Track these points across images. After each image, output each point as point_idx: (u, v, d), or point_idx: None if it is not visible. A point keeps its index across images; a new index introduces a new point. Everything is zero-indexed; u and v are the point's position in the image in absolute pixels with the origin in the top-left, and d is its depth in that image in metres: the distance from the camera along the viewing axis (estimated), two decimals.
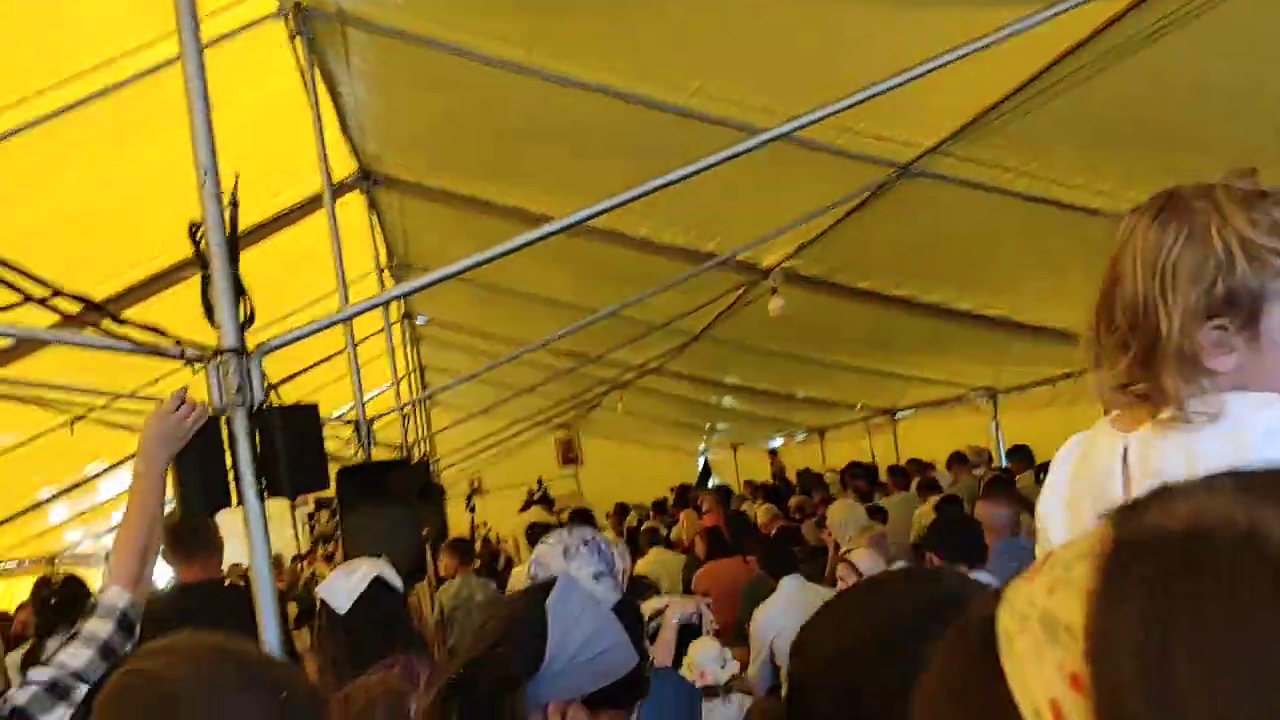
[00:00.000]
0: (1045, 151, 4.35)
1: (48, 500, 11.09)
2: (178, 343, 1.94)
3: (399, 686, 0.96)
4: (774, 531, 6.92)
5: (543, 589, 1.55)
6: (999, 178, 4.58)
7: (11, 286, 1.20)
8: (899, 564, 4.60)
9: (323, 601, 2.45)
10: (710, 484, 16.13)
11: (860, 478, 8.78)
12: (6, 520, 10.55)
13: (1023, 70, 3.64)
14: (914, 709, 0.53)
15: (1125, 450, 1.27)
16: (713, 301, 7.54)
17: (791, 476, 13.74)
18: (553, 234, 3.22)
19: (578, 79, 4.50)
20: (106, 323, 1.72)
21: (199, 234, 2.22)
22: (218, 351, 2.09)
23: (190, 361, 2.02)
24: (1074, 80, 3.51)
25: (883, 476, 9.13)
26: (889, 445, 11.40)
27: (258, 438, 2.20)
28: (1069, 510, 1.35)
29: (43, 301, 1.36)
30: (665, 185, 3.00)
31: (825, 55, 4.11)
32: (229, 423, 2.16)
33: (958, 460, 8.56)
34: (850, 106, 3.12)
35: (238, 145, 3.79)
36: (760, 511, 8.08)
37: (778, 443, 15.51)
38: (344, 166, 6.58)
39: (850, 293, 6.87)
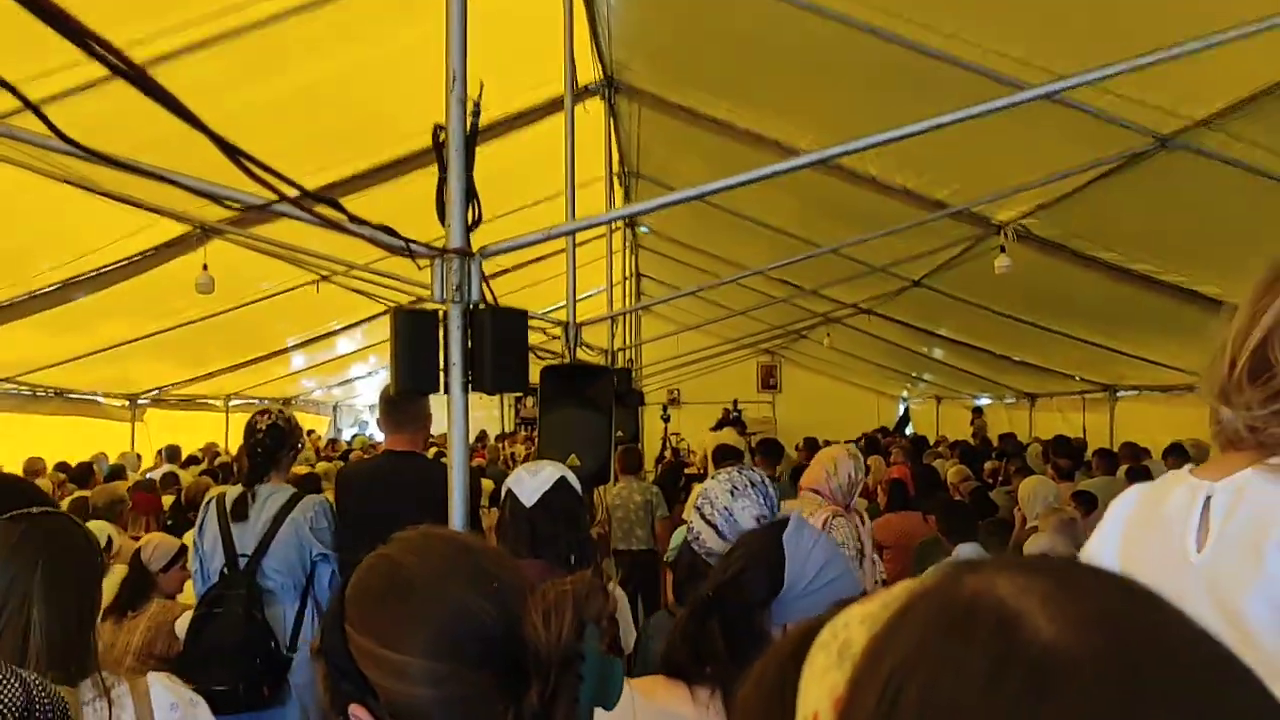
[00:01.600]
0: None
1: (291, 348, 12.19)
2: (406, 242, 2.11)
3: (588, 587, 1.08)
4: (962, 493, 6.77)
5: (779, 525, 1.79)
6: (1272, 162, 4.19)
7: (267, 185, 1.36)
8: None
9: (509, 492, 2.63)
10: (907, 432, 15.81)
11: (1064, 454, 8.37)
12: (255, 361, 11.70)
13: None
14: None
15: (1208, 499, 1.21)
16: (937, 251, 7.32)
17: (993, 438, 13.28)
18: (796, 169, 3.20)
19: (830, 9, 4.41)
20: (335, 214, 1.89)
21: (441, 136, 2.37)
22: (444, 250, 2.25)
23: (416, 257, 2.19)
24: None
25: (1089, 456, 8.68)
26: (1103, 423, 10.79)
27: (469, 334, 2.37)
28: (1123, 562, 1.29)
29: (295, 201, 1.53)
30: (919, 133, 2.89)
31: (1096, 10, 3.84)
32: (445, 316, 2.34)
33: (1175, 452, 7.97)
34: (1125, 72, 2.89)
35: (487, 41, 3.96)
36: (952, 470, 7.88)
37: (984, 401, 14.97)
38: (587, 72, 6.73)
39: (1085, 260, 6.49)
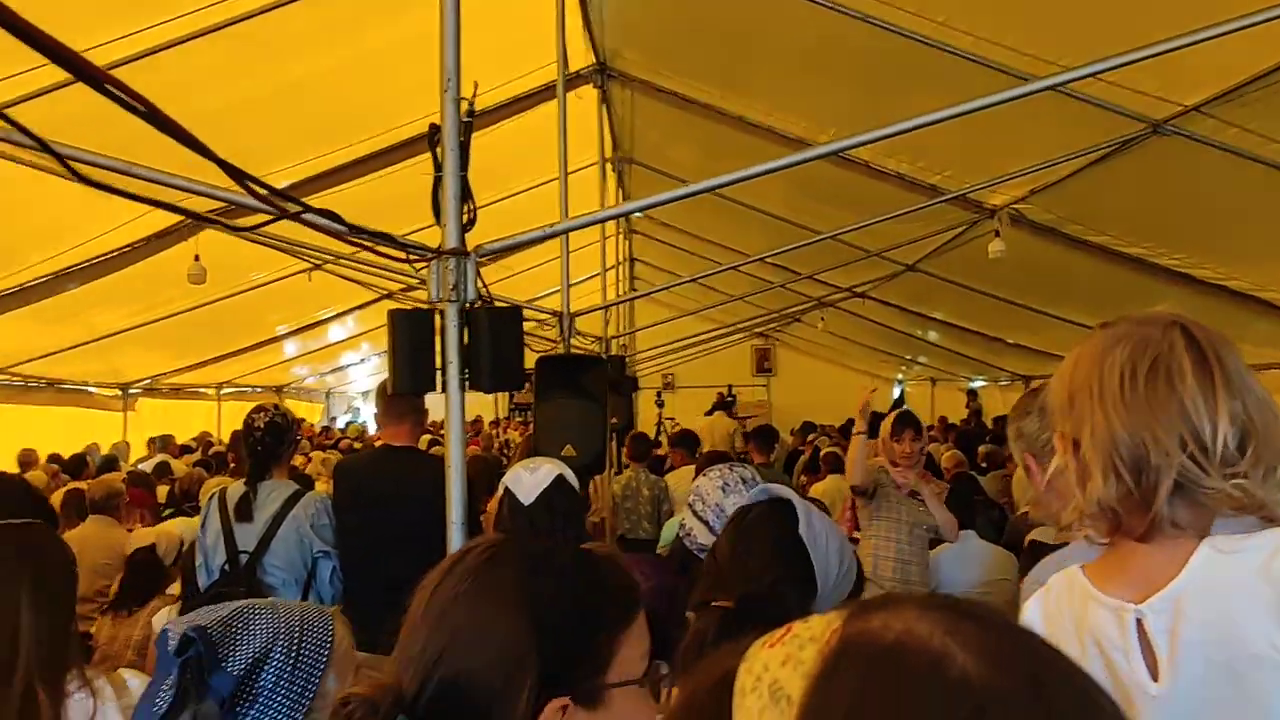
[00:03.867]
0: None
1: (283, 336, 12.17)
2: (406, 249, 2.11)
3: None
4: (952, 477, 6.78)
5: (779, 513, 1.72)
6: (1263, 148, 4.19)
7: (271, 204, 1.36)
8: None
9: (507, 490, 2.64)
10: None
11: None
12: (247, 349, 11.69)
13: None
14: None
15: (1138, 622, 1.12)
16: (931, 235, 7.32)
17: (989, 419, 13.31)
18: (795, 164, 3.19)
19: None
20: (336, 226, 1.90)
21: (436, 136, 2.37)
22: (440, 251, 2.25)
23: (414, 263, 2.19)
24: None
25: None
26: None
27: (465, 332, 2.37)
28: None
29: (295, 216, 1.53)
30: (922, 126, 2.89)
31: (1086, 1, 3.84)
32: (441, 315, 2.34)
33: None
34: (1125, 65, 2.90)
35: (479, 29, 3.92)
36: (946, 455, 7.89)
37: (979, 384, 15.00)
38: (580, 59, 6.70)
39: (1078, 244, 6.50)
